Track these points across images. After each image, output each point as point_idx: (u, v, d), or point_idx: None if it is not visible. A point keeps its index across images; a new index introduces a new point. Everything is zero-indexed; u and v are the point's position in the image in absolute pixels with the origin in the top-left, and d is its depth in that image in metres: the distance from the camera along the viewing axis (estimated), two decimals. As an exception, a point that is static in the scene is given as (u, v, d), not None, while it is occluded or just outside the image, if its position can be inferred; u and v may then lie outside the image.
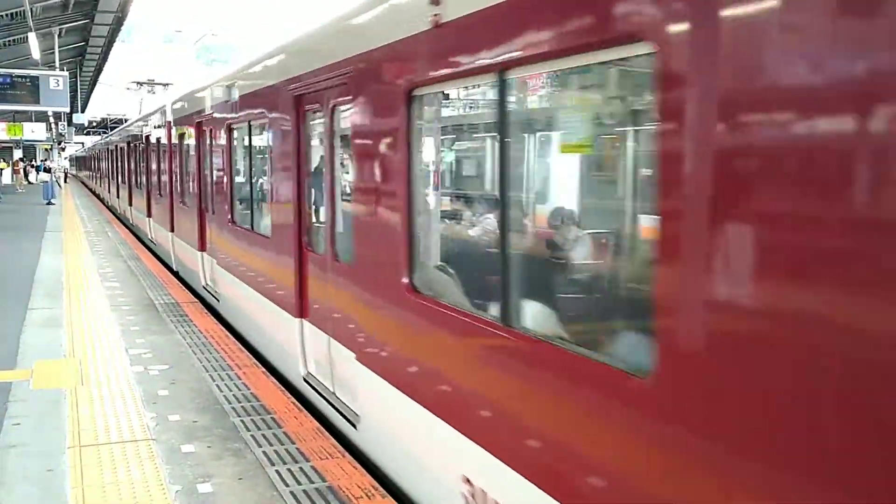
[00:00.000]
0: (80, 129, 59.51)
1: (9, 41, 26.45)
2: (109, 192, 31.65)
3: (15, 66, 25.47)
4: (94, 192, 44.60)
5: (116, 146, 26.94)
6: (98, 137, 53.44)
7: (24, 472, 5.10)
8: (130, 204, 22.18)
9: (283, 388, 6.92)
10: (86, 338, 8.72)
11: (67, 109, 27.42)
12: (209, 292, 10.92)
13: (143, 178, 18.72)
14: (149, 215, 17.75)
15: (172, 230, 14.03)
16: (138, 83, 42.38)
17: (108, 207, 31.71)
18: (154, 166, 16.77)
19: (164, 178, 15.18)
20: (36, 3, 22.32)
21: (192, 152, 11.77)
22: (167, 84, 42.72)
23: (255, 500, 4.70)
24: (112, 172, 29.90)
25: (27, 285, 12.09)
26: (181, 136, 12.85)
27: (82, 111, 52.39)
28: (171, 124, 13.84)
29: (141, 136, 18.82)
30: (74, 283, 12.40)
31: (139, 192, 20.06)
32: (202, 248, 11.27)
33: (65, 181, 55.49)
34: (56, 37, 25.79)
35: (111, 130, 43.44)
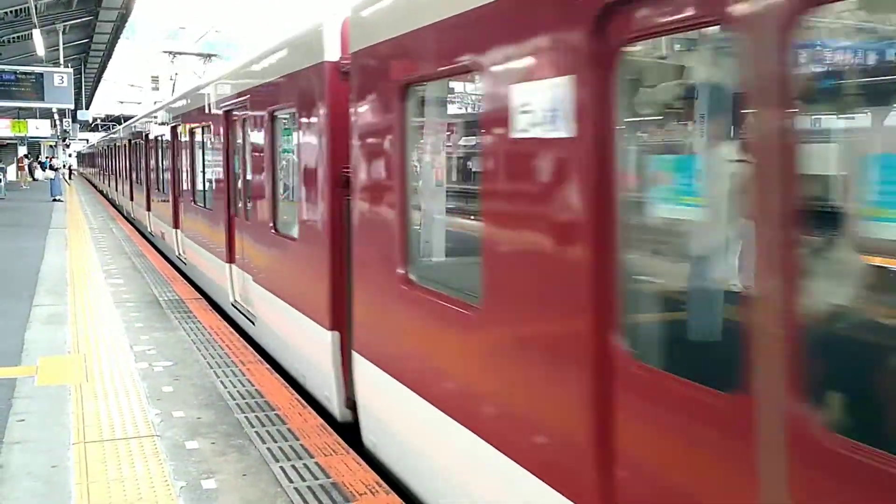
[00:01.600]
0: (85, 126, 59.57)
1: (13, 38, 26.47)
2: (132, 199, 23.85)
3: (19, 63, 25.49)
4: (105, 196, 38.26)
5: (153, 138, 18.01)
6: (104, 133, 53.16)
7: (29, 467, 5.11)
8: (177, 226, 14.42)
9: (287, 385, 6.93)
10: (90, 334, 8.73)
11: (72, 106, 27.47)
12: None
13: (220, 185, 10.35)
14: (230, 260, 9.65)
15: (290, 298, 7.20)
16: (170, 53, 40.22)
17: (128, 220, 24.50)
18: (256, 169, 8.41)
19: (295, 191, 7.30)
20: (40, 0, 22.34)
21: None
22: (210, 55, 38.15)
23: (258, 496, 4.71)
24: (137, 172, 22.18)
25: (31, 282, 12.11)
26: (386, 93, 4.95)
27: (87, 108, 52.40)
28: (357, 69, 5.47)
29: (199, 116, 11.43)
30: (79, 280, 12.42)
31: (195, 215, 12.39)
32: (400, 377, 4.71)
33: (69, 178, 55.53)
34: (60, 33, 25.81)
35: (122, 124, 39.74)
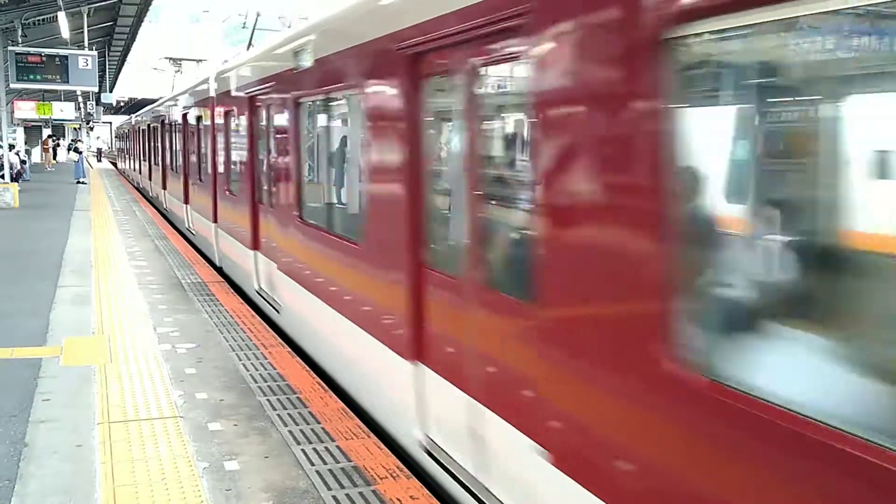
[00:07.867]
0: (109, 109, 59.94)
1: (39, 20, 26.64)
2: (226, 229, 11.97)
3: (45, 45, 25.66)
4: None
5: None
6: (126, 117, 53.24)
7: (54, 447, 5.18)
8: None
9: (309, 368, 6.96)
10: (114, 315, 8.82)
11: (96, 89, 27.57)
12: None
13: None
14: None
15: None
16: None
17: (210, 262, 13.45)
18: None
19: None
20: (65, -17, 22.42)
21: None
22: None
23: (280, 478, 4.74)
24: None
25: (56, 263, 12.24)
26: None
27: (110, 91, 52.77)
28: None
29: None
30: (103, 262, 12.54)
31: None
32: None
33: (98, 161, 55.68)
34: (85, 16, 25.90)
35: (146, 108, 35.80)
